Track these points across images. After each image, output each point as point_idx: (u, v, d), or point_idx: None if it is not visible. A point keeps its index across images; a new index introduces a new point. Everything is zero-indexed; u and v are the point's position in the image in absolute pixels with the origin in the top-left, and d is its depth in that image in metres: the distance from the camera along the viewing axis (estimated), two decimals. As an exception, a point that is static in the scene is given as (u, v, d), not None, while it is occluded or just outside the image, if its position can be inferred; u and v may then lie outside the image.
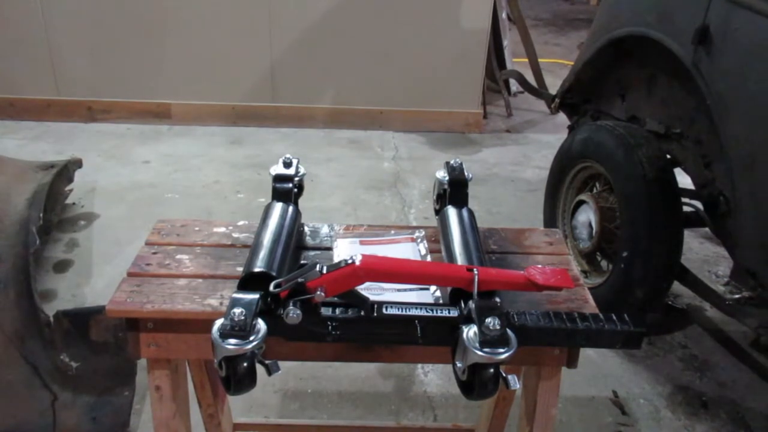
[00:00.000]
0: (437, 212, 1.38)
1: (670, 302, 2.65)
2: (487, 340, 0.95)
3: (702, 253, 3.04)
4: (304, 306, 0.99)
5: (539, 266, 1.11)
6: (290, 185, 1.32)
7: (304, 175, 1.36)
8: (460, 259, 1.16)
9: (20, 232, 2.18)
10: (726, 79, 1.91)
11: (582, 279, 1.24)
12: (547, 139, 4.27)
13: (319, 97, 4.26)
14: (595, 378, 2.25)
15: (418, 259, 1.28)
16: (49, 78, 4.11)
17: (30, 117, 4.17)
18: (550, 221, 2.75)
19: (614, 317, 1.03)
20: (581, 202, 2.52)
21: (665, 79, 2.31)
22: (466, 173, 1.34)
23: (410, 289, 1.17)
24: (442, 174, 1.36)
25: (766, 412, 2.15)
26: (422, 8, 4.02)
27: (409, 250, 1.32)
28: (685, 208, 2.27)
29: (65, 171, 2.90)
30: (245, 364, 0.94)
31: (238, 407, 1.93)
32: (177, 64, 4.12)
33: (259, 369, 0.97)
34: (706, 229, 2.33)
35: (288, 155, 1.36)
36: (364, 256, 0.99)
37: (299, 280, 0.98)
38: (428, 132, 4.30)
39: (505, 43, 4.76)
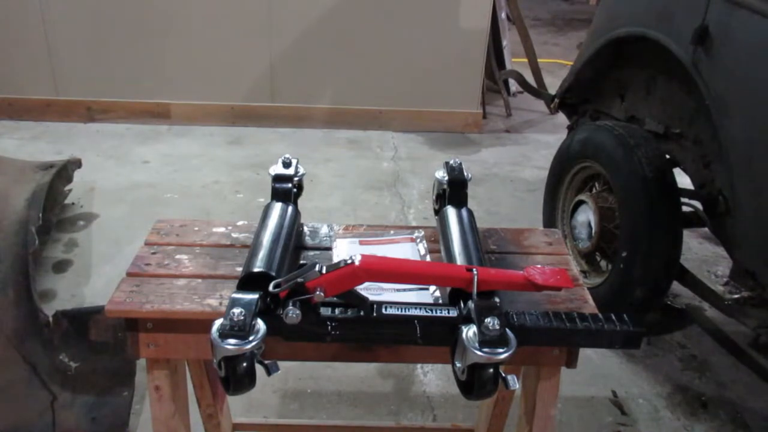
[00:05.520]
0: (436, 212, 1.38)
1: (669, 302, 2.65)
2: (486, 340, 0.95)
3: (701, 253, 3.04)
4: (304, 306, 0.99)
5: (538, 266, 1.11)
6: (289, 185, 1.32)
7: (303, 175, 1.36)
8: (459, 259, 1.16)
9: (19, 232, 2.18)
10: (725, 79, 1.91)
11: (581, 279, 1.24)
12: (546, 139, 4.27)
13: (319, 97, 4.26)
14: (595, 378, 2.25)
15: (418, 259, 1.28)
16: (48, 78, 4.10)
17: (29, 117, 4.17)
18: (549, 221, 2.75)
19: (613, 317, 1.03)
20: (580, 202, 2.52)
21: (664, 79, 2.31)
22: (465, 173, 1.34)
23: (409, 289, 1.17)
24: (441, 174, 1.36)
25: (765, 412, 2.15)
26: (422, 8, 4.01)
27: (408, 250, 1.32)
28: (685, 208, 2.28)
29: (64, 171, 2.90)
30: (244, 365, 0.94)
31: (238, 407, 1.93)
32: (176, 64, 4.12)
33: (259, 369, 0.97)
34: (706, 229, 2.33)
35: (287, 155, 1.36)
36: (363, 256, 0.99)
37: (299, 280, 0.98)
38: (427, 132, 4.30)
39: (505, 43, 4.76)
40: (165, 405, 1.21)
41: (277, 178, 1.32)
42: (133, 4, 3.94)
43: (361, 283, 1.00)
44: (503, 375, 0.97)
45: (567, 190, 2.66)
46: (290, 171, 1.34)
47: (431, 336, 1.03)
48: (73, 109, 4.18)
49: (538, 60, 4.71)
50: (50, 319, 1.89)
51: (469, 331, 0.97)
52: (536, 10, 7.63)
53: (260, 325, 0.97)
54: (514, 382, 0.97)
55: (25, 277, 2.00)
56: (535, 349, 1.12)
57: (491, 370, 0.95)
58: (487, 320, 0.96)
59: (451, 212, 1.30)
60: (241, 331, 0.94)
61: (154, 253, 1.25)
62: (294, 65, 4.14)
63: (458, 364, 0.98)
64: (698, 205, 2.23)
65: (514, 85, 4.88)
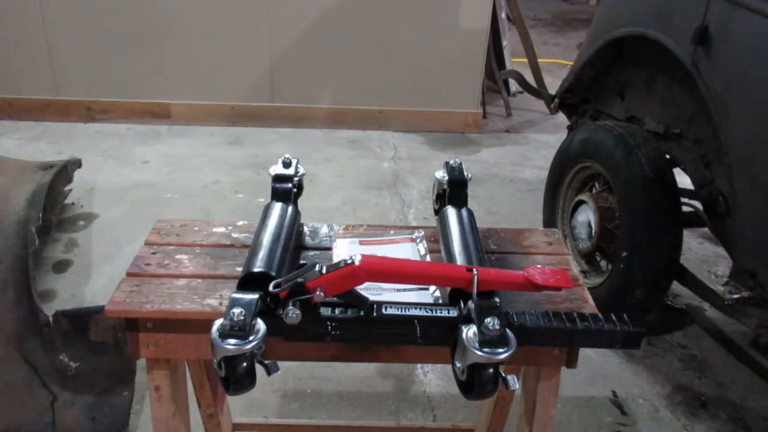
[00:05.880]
0: (437, 212, 1.38)
1: (669, 302, 2.65)
2: (486, 340, 0.95)
3: (701, 253, 3.04)
4: (304, 306, 0.99)
5: (538, 266, 1.11)
6: (289, 185, 1.32)
7: (303, 175, 1.36)
8: (459, 259, 1.16)
9: (19, 232, 2.18)
10: (725, 79, 1.91)
11: (581, 279, 1.24)
12: (546, 139, 4.27)
13: (319, 97, 4.26)
14: (595, 378, 2.25)
15: (418, 259, 1.28)
16: (48, 78, 4.10)
17: (29, 117, 4.17)
18: (549, 221, 2.75)
19: (613, 317, 1.03)
20: (580, 202, 2.52)
21: (664, 79, 2.31)
22: (465, 173, 1.34)
23: (409, 289, 1.17)
24: (441, 174, 1.36)
25: (765, 412, 2.15)
26: (422, 8, 4.01)
27: (408, 250, 1.32)
28: (685, 208, 2.28)
29: (64, 171, 2.90)
30: (244, 365, 0.94)
31: (238, 407, 1.93)
32: (176, 64, 4.12)
33: (259, 369, 0.97)
34: (706, 229, 2.34)
35: (287, 155, 1.36)
36: (363, 256, 0.99)
37: (299, 280, 0.98)
38: (427, 132, 4.30)
39: (505, 43, 4.76)
40: (165, 405, 1.21)
41: (277, 178, 1.32)
42: (133, 4, 3.93)
43: (361, 283, 1.00)
44: (503, 375, 0.97)
45: (567, 190, 2.66)
46: (290, 171, 1.34)
47: (431, 336, 1.03)
48: (73, 109, 4.18)
49: (538, 60, 4.70)
50: (50, 319, 1.89)
51: (469, 331, 0.97)
52: (536, 10, 7.63)
53: (260, 325, 0.97)
54: (514, 382, 0.97)
55: (25, 277, 2.00)
56: (535, 349, 1.12)
57: (491, 370, 0.95)
58: (487, 320, 0.96)
59: (451, 212, 1.30)
60: (241, 331, 0.94)
61: (154, 253, 1.25)
62: (294, 65, 4.14)
63: (458, 364, 0.98)
64: (698, 205, 2.23)
65: (514, 85, 4.88)
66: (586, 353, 2.28)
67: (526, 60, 4.72)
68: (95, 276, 2.68)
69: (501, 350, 0.94)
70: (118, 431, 1.87)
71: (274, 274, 1.05)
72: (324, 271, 0.98)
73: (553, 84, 4.26)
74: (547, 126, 4.51)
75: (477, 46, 4.13)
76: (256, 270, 1.05)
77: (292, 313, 0.97)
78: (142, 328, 1.12)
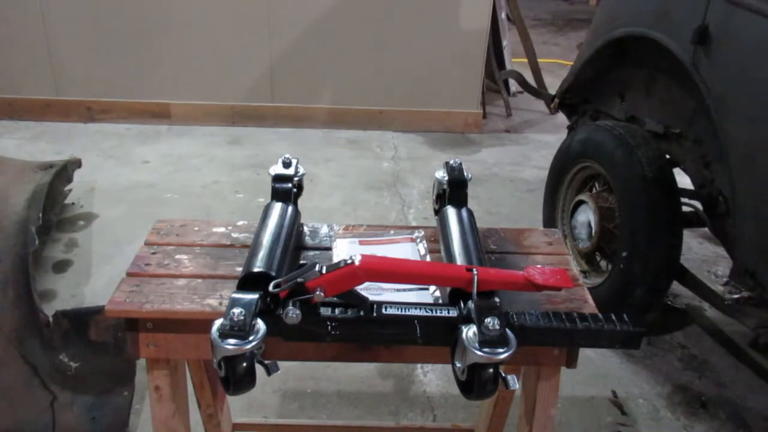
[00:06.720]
0: (436, 212, 1.38)
1: (669, 302, 2.65)
2: (486, 340, 0.95)
3: (701, 253, 3.04)
4: (304, 306, 0.99)
5: (538, 266, 1.11)
6: (289, 185, 1.32)
7: (303, 175, 1.36)
8: (459, 259, 1.16)
9: (19, 232, 2.18)
10: (725, 79, 1.91)
11: (581, 279, 1.24)
12: (546, 139, 4.27)
13: (319, 97, 4.26)
14: (595, 378, 2.25)
15: (418, 259, 1.28)
16: (48, 78, 4.10)
17: (29, 117, 4.17)
18: (549, 221, 2.75)
19: (613, 317, 1.03)
20: (580, 202, 2.52)
21: (664, 79, 2.31)
22: (465, 173, 1.34)
23: (409, 289, 1.17)
24: (441, 174, 1.36)
25: (765, 412, 2.15)
26: (422, 8, 4.02)
27: (408, 250, 1.32)
28: (685, 208, 2.28)
29: (64, 171, 2.90)
30: (244, 365, 0.94)
31: (238, 407, 1.93)
32: (176, 64, 4.12)
33: (259, 369, 0.97)
34: (706, 229, 2.34)
35: (287, 155, 1.36)
36: (363, 256, 0.99)
37: (299, 280, 0.98)
38: (427, 132, 4.30)
39: (505, 43, 4.76)
40: (165, 405, 1.21)
41: (277, 178, 1.32)
42: (133, 5, 3.93)
43: (361, 283, 1.00)
44: (503, 375, 0.97)
45: (567, 190, 2.66)
46: (290, 171, 1.34)
47: (431, 336, 1.03)
48: (73, 109, 4.18)
49: (538, 60, 4.71)
50: (50, 319, 1.89)
51: (469, 331, 0.97)
52: (536, 10, 7.63)
53: (260, 325, 0.97)
54: (514, 382, 0.97)
55: (25, 276, 2.00)
56: (535, 349, 1.12)
57: (491, 370, 0.95)
58: (487, 320, 0.96)
59: (451, 212, 1.30)
60: (241, 331, 0.94)
61: (154, 253, 1.25)
62: (294, 65, 4.14)
63: (458, 364, 0.98)
64: (698, 205, 2.23)
65: (514, 85, 4.88)
66: (586, 353, 2.28)
67: (526, 60, 4.72)
68: (95, 276, 2.68)
69: (501, 350, 0.94)
70: (118, 431, 1.87)
71: (274, 274, 1.05)
72: (324, 271, 0.98)
73: (553, 84, 4.26)
74: (547, 126, 4.51)
75: (477, 46, 4.13)
76: (256, 270, 1.05)
77: (292, 313, 0.97)
78: (141, 328, 1.12)
